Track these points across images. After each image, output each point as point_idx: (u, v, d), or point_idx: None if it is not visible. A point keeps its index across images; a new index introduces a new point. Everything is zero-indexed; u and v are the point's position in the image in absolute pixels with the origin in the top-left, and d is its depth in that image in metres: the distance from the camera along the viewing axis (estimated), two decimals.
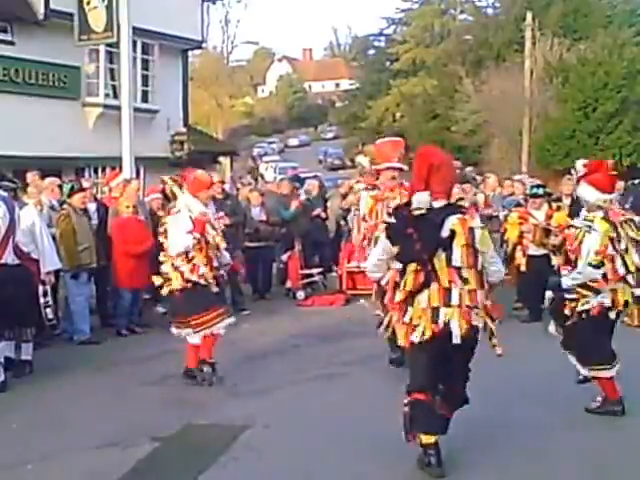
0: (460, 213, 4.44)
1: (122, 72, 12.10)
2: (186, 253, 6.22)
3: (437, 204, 4.42)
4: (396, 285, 4.49)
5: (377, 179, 6.93)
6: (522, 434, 5.15)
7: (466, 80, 33.71)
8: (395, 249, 4.42)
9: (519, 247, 9.07)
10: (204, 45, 22.81)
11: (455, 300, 4.35)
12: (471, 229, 4.41)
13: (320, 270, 11.49)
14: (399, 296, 4.45)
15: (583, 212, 5.75)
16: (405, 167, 6.76)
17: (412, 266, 4.38)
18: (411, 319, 4.40)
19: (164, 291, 6.46)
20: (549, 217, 8.77)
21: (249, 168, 37.09)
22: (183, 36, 17.24)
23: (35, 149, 12.90)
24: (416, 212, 4.36)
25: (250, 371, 6.37)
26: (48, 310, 7.07)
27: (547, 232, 8.55)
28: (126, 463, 4.77)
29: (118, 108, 12.56)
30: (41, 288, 7.00)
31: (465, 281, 4.37)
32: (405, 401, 4.57)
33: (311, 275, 11.31)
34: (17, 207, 6.63)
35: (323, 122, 66.96)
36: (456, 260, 4.35)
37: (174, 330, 6.56)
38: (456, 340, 4.32)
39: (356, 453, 4.90)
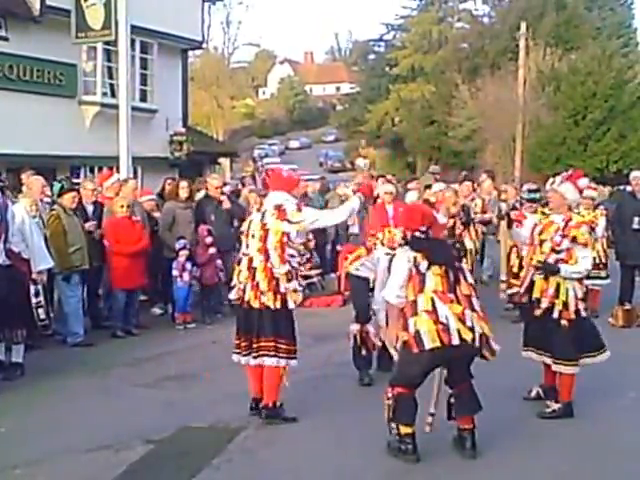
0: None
1: (120, 71, 11.90)
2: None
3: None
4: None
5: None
6: (510, 433, 5.15)
7: (462, 87, 34.01)
8: (420, 255, 4.61)
9: (514, 249, 9.05)
10: (204, 45, 22.66)
11: (477, 307, 4.65)
12: None
13: (318, 272, 11.36)
14: (425, 299, 4.56)
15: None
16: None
17: (436, 269, 4.60)
18: (447, 322, 4.51)
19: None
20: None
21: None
22: (183, 36, 17.05)
23: (30, 147, 12.67)
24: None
25: (246, 373, 6.19)
26: (40, 310, 6.88)
27: None
28: (118, 466, 4.66)
29: (116, 107, 12.35)
30: (32, 288, 6.82)
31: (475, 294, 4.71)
32: (389, 395, 4.71)
33: (309, 277, 11.17)
34: (10, 207, 6.43)
35: (323, 125, 67.05)
36: (469, 276, 4.75)
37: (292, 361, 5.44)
38: (477, 344, 4.58)
39: (350, 454, 4.87)
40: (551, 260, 5.48)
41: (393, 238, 5.95)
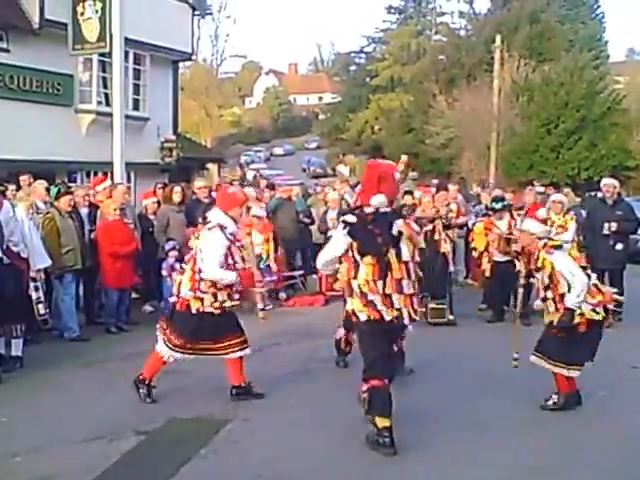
0: (402, 218, 4.99)
1: (114, 81, 11.95)
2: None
3: (385, 209, 4.88)
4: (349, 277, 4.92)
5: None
6: (483, 430, 5.18)
7: (440, 97, 34.06)
8: (355, 243, 4.80)
9: (485, 254, 9.23)
10: (194, 57, 22.69)
11: (406, 289, 4.82)
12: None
13: (301, 272, 11.44)
14: (359, 285, 4.81)
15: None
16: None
17: (368, 259, 4.77)
18: (374, 304, 4.77)
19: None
20: (511, 226, 8.92)
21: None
22: (173, 48, 17.12)
23: (29, 153, 12.72)
24: (370, 213, 4.83)
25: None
26: (40, 306, 6.93)
27: (509, 240, 8.78)
28: (112, 455, 4.71)
29: (110, 115, 12.41)
30: (32, 285, 6.87)
31: (409, 273, 4.88)
32: (363, 388, 4.80)
33: (293, 277, 11.26)
34: (5, 208, 6.51)
35: (306, 133, 67.05)
36: (405, 255, 4.83)
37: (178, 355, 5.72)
38: (406, 322, 4.86)
39: (334, 446, 4.90)
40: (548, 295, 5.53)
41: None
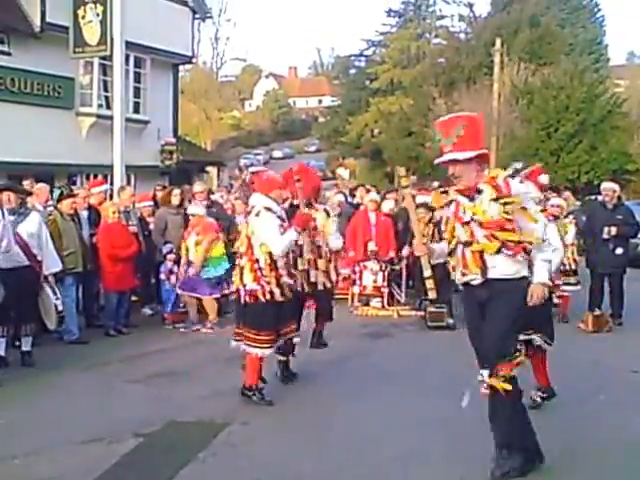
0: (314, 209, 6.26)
1: (115, 84, 12.01)
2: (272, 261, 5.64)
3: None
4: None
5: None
6: (484, 430, 5.02)
7: (439, 100, 34.02)
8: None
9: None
10: (194, 60, 22.78)
11: (300, 266, 6.11)
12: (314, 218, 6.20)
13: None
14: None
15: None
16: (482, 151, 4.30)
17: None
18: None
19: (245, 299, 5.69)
20: None
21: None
22: (174, 51, 17.21)
23: (30, 156, 12.78)
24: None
25: (231, 371, 6.30)
26: (58, 302, 7.01)
27: None
28: (111, 458, 4.71)
29: (110, 118, 12.45)
30: (46, 286, 7.00)
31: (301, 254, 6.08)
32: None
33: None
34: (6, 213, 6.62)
35: (306, 136, 67.13)
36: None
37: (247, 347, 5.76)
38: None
39: (330, 449, 4.90)
40: None
41: None
